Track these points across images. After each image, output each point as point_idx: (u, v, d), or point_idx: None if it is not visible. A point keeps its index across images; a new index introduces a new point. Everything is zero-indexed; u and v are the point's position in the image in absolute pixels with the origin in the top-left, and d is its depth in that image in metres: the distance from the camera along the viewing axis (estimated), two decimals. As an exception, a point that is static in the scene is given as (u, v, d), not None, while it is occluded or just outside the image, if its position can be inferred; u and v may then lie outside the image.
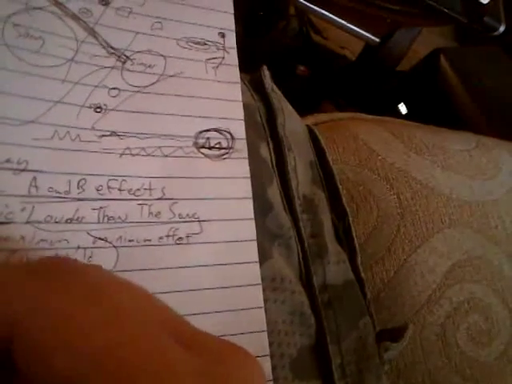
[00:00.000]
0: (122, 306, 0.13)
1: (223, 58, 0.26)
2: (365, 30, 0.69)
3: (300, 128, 0.32)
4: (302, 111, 0.42)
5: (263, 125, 0.28)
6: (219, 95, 0.25)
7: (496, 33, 0.54)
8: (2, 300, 0.12)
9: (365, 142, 0.36)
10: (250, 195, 0.24)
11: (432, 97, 0.75)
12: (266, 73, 0.30)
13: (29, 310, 0.12)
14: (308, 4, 0.66)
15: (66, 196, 0.21)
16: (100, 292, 0.13)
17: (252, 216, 0.24)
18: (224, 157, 0.25)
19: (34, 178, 0.20)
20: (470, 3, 0.55)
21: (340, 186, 0.31)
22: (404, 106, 0.79)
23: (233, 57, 0.27)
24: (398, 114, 0.77)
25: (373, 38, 0.70)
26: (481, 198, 0.35)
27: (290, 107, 0.32)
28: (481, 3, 0.54)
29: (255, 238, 0.24)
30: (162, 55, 0.25)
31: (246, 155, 0.25)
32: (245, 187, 0.24)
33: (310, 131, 0.33)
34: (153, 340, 0.12)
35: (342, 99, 0.82)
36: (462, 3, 0.55)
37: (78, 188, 0.21)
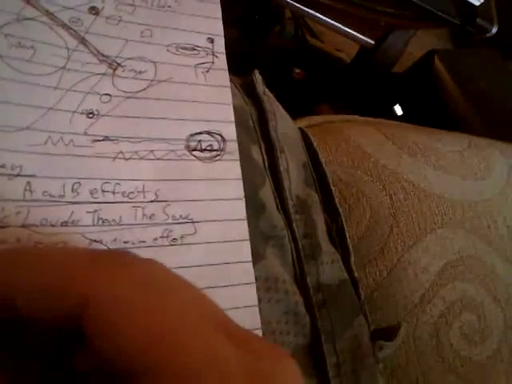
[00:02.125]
0: (179, 298, 0.14)
1: (212, 62, 0.27)
2: (359, 33, 0.70)
3: (292, 130, 0.33)
4: (299, 114, 0.43)
5: (255, 128, 0.29)
6: (209, 99, 0.26)
7: (488, 34, 0.54)
8: (75, 282, 0.13)
9: (357, 143, 0.36)
10: (242, 196, 0.25)
11: (427, 98, 0.75)
12: (258, 76, 0.31)
13: (98, 292, 0.13)
14: (303, 7, 0.66)
15: (60, 200, 0.21)
16: (159, 283, 0.14)
17: (244, 216, 0.24)
18: (216, 159, 0.25)
19: (29, 183, 0.20)
20: (462, 5, 0.55)
21: (333, 187, 0.31)
22: (399, 107, 0.79)
23: (222, 61, 0.27)
24: (393, 115, 0.78)
25: (367, 40, 0.71)
26: (473, 198, 0.36)
27: (282, 110, 0.32)
28: (473, 5, 0.55)
29: (248, 237, 0.24)
30: (152, 61, 0.25)
31: (238, 157, 0.25)
32: (237, 188, 0.25)
33: (303, 133, 0.34)
34: (208, 333, 0.13)
35: (339, 101, 0.82)
36: (455, 5, 0.56)
37: (73, 192, 0.21)
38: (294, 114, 0.41)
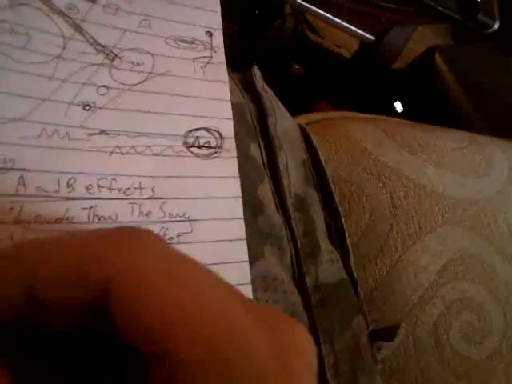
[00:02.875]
0: (196, 272, 0.14)
1: (211, 57, 0.26)
2: (360, 29, 0.69)
3: (292, 127, 0.32)
4: (298, 110, 0.42)
5: (254, 124, 0.28)
6: (207, 94, 0.25)
7: (490, 30, 0.54)
8: (95, 262, 0.12)
9: (357, 140, 0.36)
10: (240, 194, 0.24)
11: (427, 94, 0.75)
12: (257, 72, 0.30)
13: (120, 270, 0.12)
14: (303, 3, 0.66)
15: (55, 195, 0.20)
16: (173, 260, 0.14)
17: (241, 215, 0.24)
18: (213, 156, 0.25)
19: (22, 177, 0.20)
20: (464, 1, 0.55)
21: (332, 186, 0.31)
22: (400, 103, 0.79)
23: (220, 56, 0.27)
24: (393, 111, 0.77)
25: (368, 36, 0.70)
26: (473, 196, 0.35)
27: (281, 106, 0.32)
28: (475, 1, 0.54)
29: (244, 237, 0.23)
30: (150, 53, 0.25)
31: (235, 154, 0.25)
32: (234, 186, 0.24)
33: (302, 130, 0.33)
34: (226, 304, 0.13)
35: (338, 98, 0.82)
36: (457, 1, 0.55)
37: (68, 187, 0.21)
38: (294, 110, 0.40)
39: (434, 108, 0.72)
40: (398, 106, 0.78)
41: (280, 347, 0.13)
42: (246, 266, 0.23)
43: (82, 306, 0.13)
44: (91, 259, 0.13)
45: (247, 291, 0.23)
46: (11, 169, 0.19)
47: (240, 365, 0.12)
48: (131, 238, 0.13)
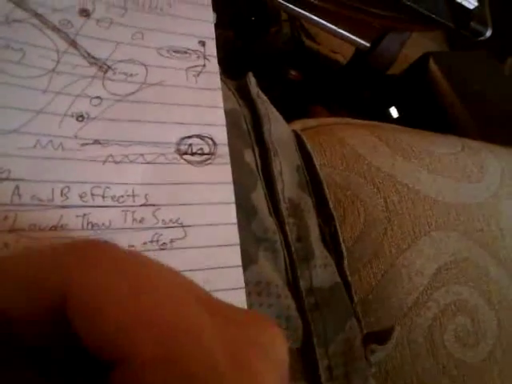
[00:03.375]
0: (152, 275, 0.14)
1: (204, 65, 0.27)
2: (355, 35, 0.70)
3: (286, 133, 0.33)
4: (294, 115, 0.43)
5: (248, 131, 0.29)
6: (200, 102, 0.26)
7: (483, 37, 0.55)
8: (51, 274, 0.13)
9: (351, 146, 0.36)
10: (233, 200, 0.24)
11: (422, 100, 0.75)
12: (252, 79, 0.31)
13: (75, 280, 0.13)
14: (299, 9, 0.66)
15: (49, 204, 0.21)
16: (129, 265, 0.14)
17: (235, 221, 0.24)
18: (206, 163, 0.25)
19: (17, 187, 0.20)
20: (456, 9, 0.55)
21: (327, 191, 0.31)
22: (395, 109, 0.79)
23: (213, 64, 0.27)
24: (389, 117, 0.78)
25: (363, 42, 0.71)
26: (466, 201, 0.36)
27: (276, 113, 0.32)
28: (467, 9, 0.55)
29: (238, 242, 0.24)
30: (143, 64, 0.25)
31: (229, 161, 0.25)
32: (227, 192, 0.25)
33: (297, 136, 0.34)
34: (180, 304, 0.13)
35: (334, 103, 0.82)
36: (449, 9, 0.56)
37: (62, 196, 0.21)
38: (290, 116, 0.41)
39: (429, 114, 0.73)
40: (394, 112, 0.78)
41: (238, 345, 0.13)
42: (240, 270, 0.23)
43: (45, 318, 0.13)
44: (48, 269, 0.13)
45: (241, 296, 0.23)
46: (6, 179, 0.20)
47: (194, 363, 0.12)
48: (89, 248, 0.14)
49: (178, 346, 0.12)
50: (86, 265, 0.13)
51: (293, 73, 0.84)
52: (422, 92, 0.76)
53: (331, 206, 0.30)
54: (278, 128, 0.31)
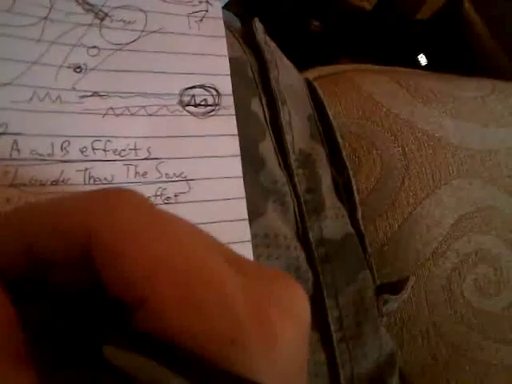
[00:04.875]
0: (174, 222, 0.14)
1: (206, 10, 0.25)
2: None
3: (297, 81, 0.31)
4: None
5: (255, 79, 0.28)
6: (203, 50, 0.25)
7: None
8: (76, 216, 0.13)
9: (369, 93, 0.34)
10: (238, 153, 0.24)
11: (455, 45, 0.71)
12: (258, 25, 0.29)
13: (99, 222, 0.13)
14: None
15: (49, 158, 0.21)
16: (152, 212, 0.14)
17: (240, 174, 0.24)
18: (210, 114, 0.24)
19: (15, 141, 0.20)
20: None
21: (340, 140, 0.30)
22: (424, 56, 0.75)
23: (216, 9, 0.26)
24: (417, 65, 0.74)
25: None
26: (494, 147, 0.34)
27: (285, 60, 0.31)
28: None
29: (244, 195, 0.23)
30: (141, 10, 0.24)
31: (234, 112, 0.24)
32: (232, 145, 0.24)
33: (309, 84, 0.32)
34: (202, 252, 0.13)
35: (360, 54, 0.79)
36: None
37: (62, 150, 0.21)
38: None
39: (461, 61, 0.68)
40: (422, 59, 0.74)
41: (260, 299, 0.13)
42: (246, 224, 0.23)
43: (72, 260, 0.13)
44: (75, 213, 0.13)
45: (247, 249, 0.23)
46: (4, 133, 0.20)
47: (215, 308, 0.12)
48: (114, 194, 0.14)
49: (198, 290, 0.12)
50: (111, 209, 0.13)
51: (315, 23, 0.81)
52: (455, 37, 0.71)
53: (344, 154, 0.29)
54: (287, 76, 0.30)
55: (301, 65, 0.34)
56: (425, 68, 0.74)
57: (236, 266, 0.13)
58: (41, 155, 0.20)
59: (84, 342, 0.13)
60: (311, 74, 0.38)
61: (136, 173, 0.22)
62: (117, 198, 0.14)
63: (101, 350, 0.12)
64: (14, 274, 0.14)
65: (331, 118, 0.31)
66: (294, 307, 0.14)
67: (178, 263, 0.12)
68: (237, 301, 0.12)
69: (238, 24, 0.42)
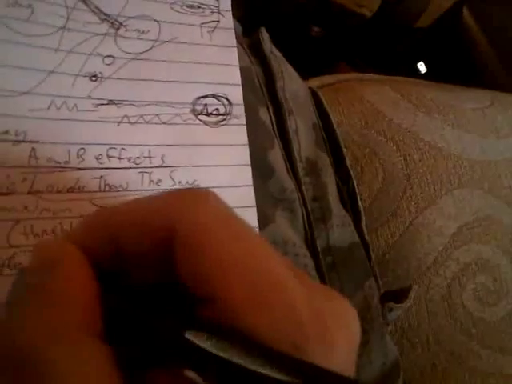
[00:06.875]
0: (247, 227, 0.15)
1: (218, 21, 0.26)
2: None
3: (302, 91, 0.32)
4: (317, 74, 0.42)
5: (262, 88, 0.28)
6: (215, 60, 0.25)
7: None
8: (163, 214, 0.14)
9: (371, 103, 0.35)
10: (249, 162, 0.24)
11: (454, 54, 0.72)
12: (265, 35, 0.30)
13: (184, 220, 0.14)
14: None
15: (66, 166, 0.21)
16: (228, 214, 0.15)
17: (251, 182, 0.24)
18: (222, 123, 0.25)
19: (33, 149, 0.20)
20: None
21: (344, 149, 0.31)
22: (423, 64, 0.76)
23: (228, 20, 0.26)
24: (416, 73, 0.75)
25: (389, -7, 0.68)
26: (494, 158, 0.35)
27: (290, 69, 0.31)
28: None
29: (254, 204, 0.24)
30: (155, 20, 0.24)
31: (244, 121, 0.25)
32: (243, 154, 0.24)
33: (314, 94, 0.33)
34: (270, 258, 0.14)
35: (360, 60, 0.80)
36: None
37: (78, 157, 0.21)
38: (312, 74, 0.40)
39: (460, 69, 0.69)
40: (422, 67, 0.75)
41: (320, 311, 0.14)
42: (256, 232, 0.24)
43: (155, 256, 0.14)
44: (160, 211, 0.14)
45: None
46: (23, 141, 0.20)
47: (281, 312, 0.13)
48: (195, 194, 0.15)
49: (268, 293, 0.13)
50: (193, 207, 0.14)
51: (315, 29, 0.82)
52: (454, 45, 0.72)
53: (348, 163, 0.30)
54: (292, 85, 0.30)
55: (301, 69, 0.35)
56: (424, 76, 0.75)
57: (299, 278, 0.14)
58: (57, 163, 0.21)
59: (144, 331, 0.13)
60: (314, 82, 0.38)
61: (150, 180, 0.23)
62: (198, 197, 0.14)
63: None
64: (99, 263, 0.14)
65: (335, 127, 0.31)
66: (347, 321, 0.14)
67: (252, 265, 0.13)
68: (302, 309, 0.13)
69: (239, 29, 0.42)
